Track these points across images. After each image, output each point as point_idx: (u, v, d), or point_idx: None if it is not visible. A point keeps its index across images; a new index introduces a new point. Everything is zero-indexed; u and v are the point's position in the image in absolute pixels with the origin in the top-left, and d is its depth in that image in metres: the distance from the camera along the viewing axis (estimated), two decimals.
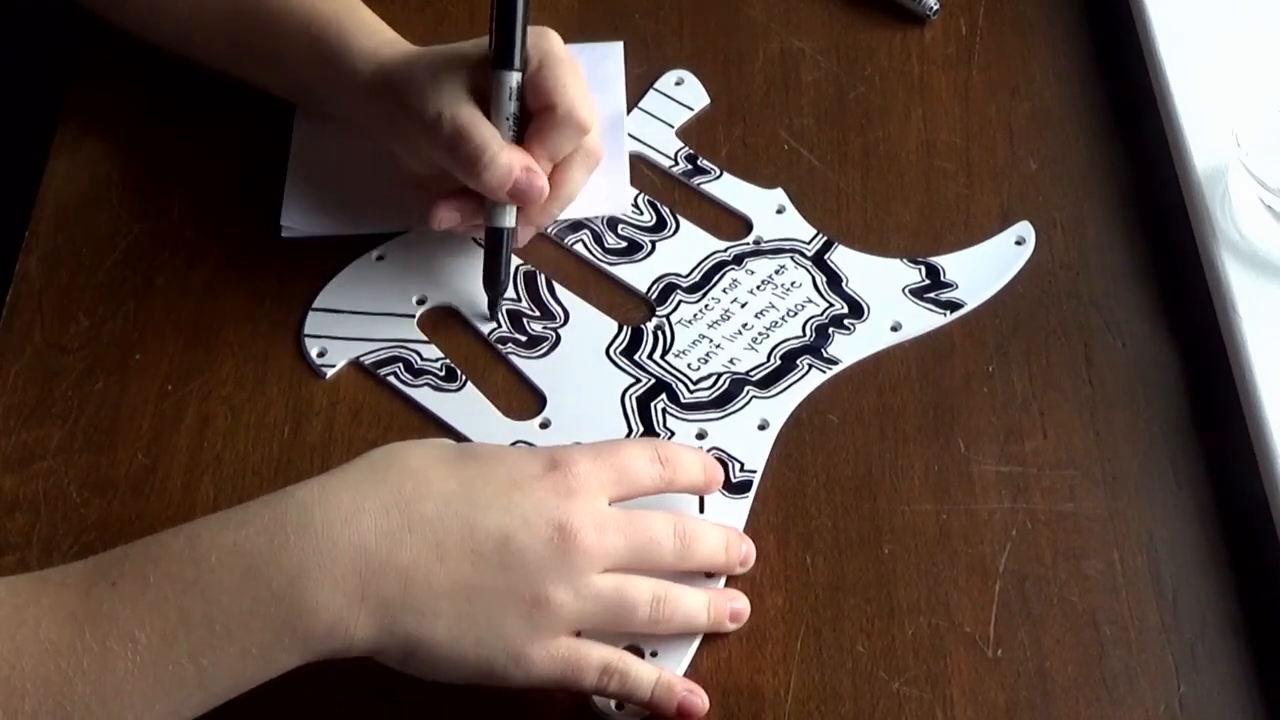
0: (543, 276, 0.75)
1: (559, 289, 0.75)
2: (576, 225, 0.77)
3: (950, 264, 0.75)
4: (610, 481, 0.61)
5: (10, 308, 0.75)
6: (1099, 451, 0.69)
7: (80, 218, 0.78)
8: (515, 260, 0.76)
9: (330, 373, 0.72)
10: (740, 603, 0.64)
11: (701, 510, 0.67)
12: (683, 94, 0.82)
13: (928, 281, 0.74)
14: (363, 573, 0.56)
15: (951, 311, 0.73)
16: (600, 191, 0.78)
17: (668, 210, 0.78)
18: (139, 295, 0.75)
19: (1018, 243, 0.75)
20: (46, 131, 0.82)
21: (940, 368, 0.72)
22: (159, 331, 0.74)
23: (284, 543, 0.56)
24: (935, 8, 0.85)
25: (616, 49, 0.84)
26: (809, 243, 0.76)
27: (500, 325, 0.73)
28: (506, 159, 0.70)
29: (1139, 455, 0.69)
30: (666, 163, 0.79)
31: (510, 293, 0.75)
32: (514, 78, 0.72)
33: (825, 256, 0.75)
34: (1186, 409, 0.70)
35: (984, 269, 0.75)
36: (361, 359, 0.73)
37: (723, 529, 0.65)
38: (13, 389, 0.72)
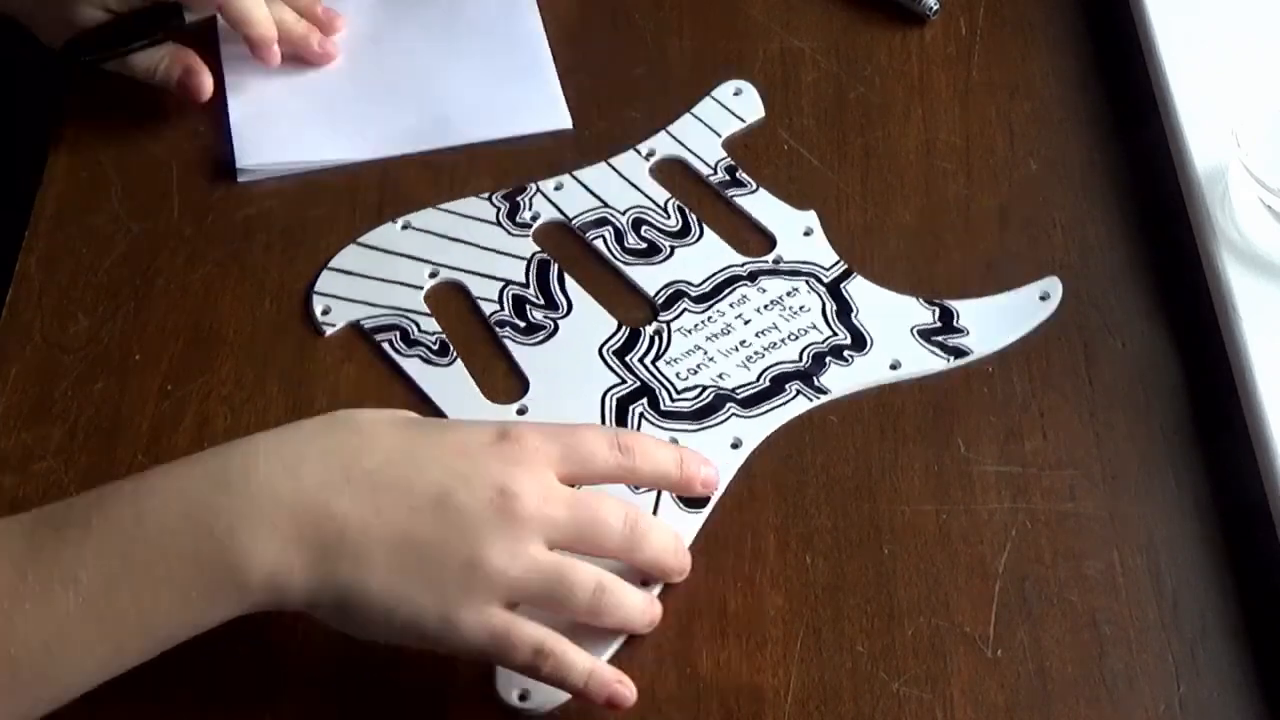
0: (556, 266, 0.75)
1: (569, 281, 0.75)
2: (601, 220, 0.77)
3: (966, 310, 0.73)
4: (559, 457, 0.61)
5: (10, 308, 0.75)
6: (1099, 451, 0.69)
7: (80, 218, 0.78)
8: (533, 246, 0.76)
9: (330, 331, 0.73)
10: (657, 609, 0.63)
11: (656, 514, 0.66)
12: (738, 105, 0.82)
13: (939, 324, 0.72)
14: (299, 519, 0.57)
15: (956, 358, 0.71)
16: (532, 106, 0.81)
17: (695, 218, 0.77)
18: (139, 295, 0.75)
19: (1042, 298, 0.73)
20: (46, 131, 0.82)
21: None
22: (159, 331, 0.74)
23: (226, 489, 0.57)
24: (935, 8, 0.85)
25: None
26: (828, 269, 0.74)
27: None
28: None
29: (1139, 455, 0.69)
30: (705, 170, 0.79)
31: (519, 277, 0.75)
32: None
33: (841, 285, 0.74)
34: (1186, 409, 0.70)
35: (1000, 320, 0.73)
36: (362, 322, 0.74)
37: (675, 535, 0.64)
38: (13, 389, 0.72)
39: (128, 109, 0.83)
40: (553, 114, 0.81)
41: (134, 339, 0.74)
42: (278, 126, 0.81)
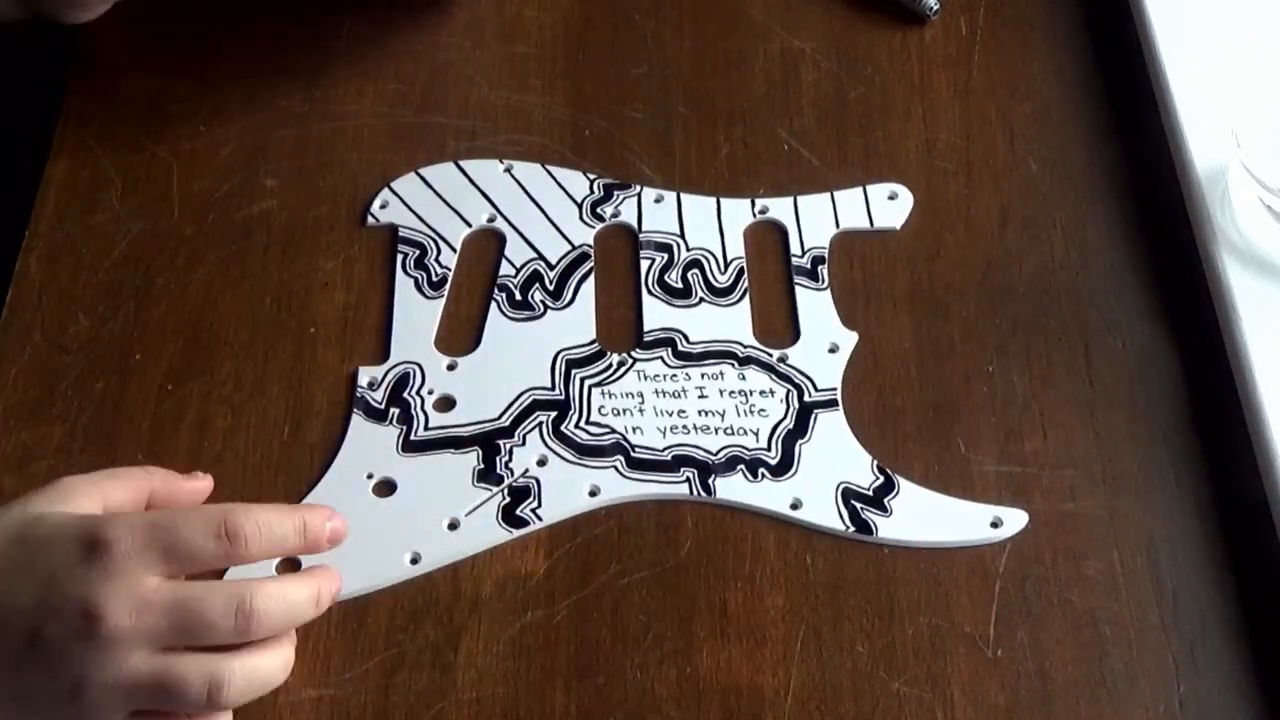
0: (592, 264, 0.76)
1: (589, 282, 0.75)
2: (664, 246, 0.76)
3: (908, 493, 0.67)
4: (157, 559, 0.58)
5: (10, 308, 0.75)
6: (1099, 451, 0.69)
7: (80, 218, 0.78)
8: (589, 239, 0.77)
9: (370, 224, 0.77)
10: (281, 676, 0.62)
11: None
12: (881, 208, 0.77)
13: (869, 494, 0.67)
14: None
15: (859, 531, 0.66)
16: None
17: (746, 285, 0.75)
18: (139, 295, 0.75)
19: (994, 524, 0.67)
20: (46, 131, 0.82)
21: (940, 368, 0.72)
22: (159, 331, 0.74)
23: None
24: (935, 8, 0.85)
25: None
26: (818, 390, 0.71)
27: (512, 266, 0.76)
28: None
29: (1139, 455, 0.69)
30: (795, 251, 0.76)
31: (553, 258, 0.76)
32: None
33: (815, 410, 0.70)
34: (1186, 409, 0.70)
35: (934, 522, 0.67)
36: (400, 229, 0.77)
37: (306, 582, 0.62)
38: (13, 389, 0.72)
39: (128, 109, 0.83)
40: None
41: (134, 339, 0.74)
42: None
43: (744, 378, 0.71)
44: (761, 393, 0.71)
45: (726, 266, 0.76)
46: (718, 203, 0.78)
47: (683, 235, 0.77)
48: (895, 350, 0.73)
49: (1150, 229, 0.77)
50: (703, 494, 0.68)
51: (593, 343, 0.73)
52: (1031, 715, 0.61)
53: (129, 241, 0.77)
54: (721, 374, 0.72)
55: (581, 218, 0.78)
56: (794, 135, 0.81)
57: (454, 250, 0.76)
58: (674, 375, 0.72)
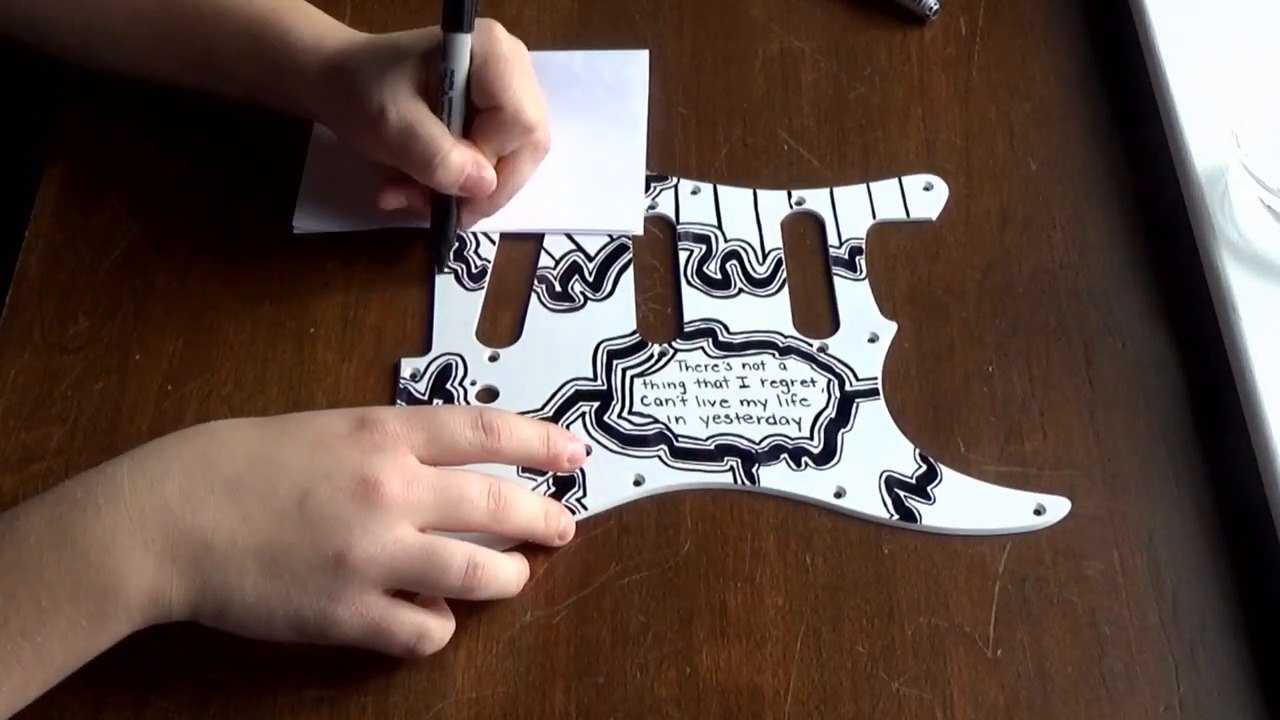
0: (630, 256, 0.76)
1: (627, 275, 0.75)
2: (702, 237, 0.76)
3: (951, 481, 0.68)
4: (421, 442, 0.62)
5: (10, 308, 0.75)
6: (1099, 451, 0.69)
7: (80, 218, 0.78)
8: (629, 224, 0.77)
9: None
10: (526, 569, 0.64)
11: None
12: (916, 199, 0.78)
13: (913, 482, 0.67)
14: (170, 535, 0.57)
15: (903, 519, 0.66)
16: (612, 208, 0.78)
17: (785, 276, 0.75)
18: (139, 295, 0.75)
19: (1036, 512, 0.67)
20: (46, 131, 0.82)
21: (940, 368, 0.72)
22: (159, 331, 0.74)
23: (96, 513, 0.57)
24: (935, 8, 0.85)
25: (641, 57, 0.84)
26: (859, 380, 0.71)
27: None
28: (458, 158, 0.72)
29: (1139, 455, 0.69)
30: (833, 241, 0.77)
31: (592, 250, 0.76)
32: (465, 40, 0.72)
33: (856, 400, 0.70)
34: (1186, 409, 0.70)
35: (978, 509, 0.67)
36: None
37: (543, 499, 0.66)
38: (13, 389, 0.72)
39: (129, 108, 0.83)
40: (629, 217, 0.77)
41: (134, 339, 0.74)
42: (341, 195, 0.77)
43: (785, 367, 0.72)
44: (803, 382, 0.71)
45: (765, 257, 0.76)
46: (754, 194, 0.78)
47: (720, 227, 0.77)
48: (895, 350, 0.73)
49: (1150, 229, 0.77)
50: (747, 483, 0.68)
51: (634, 333, 0.73)
52: (1031, 715, 0.61)
53: (129, 241, 0.77)
54: (762, 364, 0.72)
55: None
56: (794, 135, 0.81)
57: (493, 243, 0.77)
58: (715, 365, 0.72)
